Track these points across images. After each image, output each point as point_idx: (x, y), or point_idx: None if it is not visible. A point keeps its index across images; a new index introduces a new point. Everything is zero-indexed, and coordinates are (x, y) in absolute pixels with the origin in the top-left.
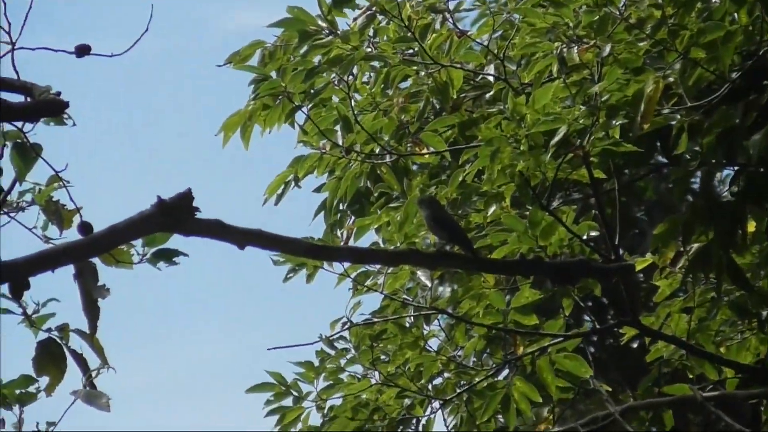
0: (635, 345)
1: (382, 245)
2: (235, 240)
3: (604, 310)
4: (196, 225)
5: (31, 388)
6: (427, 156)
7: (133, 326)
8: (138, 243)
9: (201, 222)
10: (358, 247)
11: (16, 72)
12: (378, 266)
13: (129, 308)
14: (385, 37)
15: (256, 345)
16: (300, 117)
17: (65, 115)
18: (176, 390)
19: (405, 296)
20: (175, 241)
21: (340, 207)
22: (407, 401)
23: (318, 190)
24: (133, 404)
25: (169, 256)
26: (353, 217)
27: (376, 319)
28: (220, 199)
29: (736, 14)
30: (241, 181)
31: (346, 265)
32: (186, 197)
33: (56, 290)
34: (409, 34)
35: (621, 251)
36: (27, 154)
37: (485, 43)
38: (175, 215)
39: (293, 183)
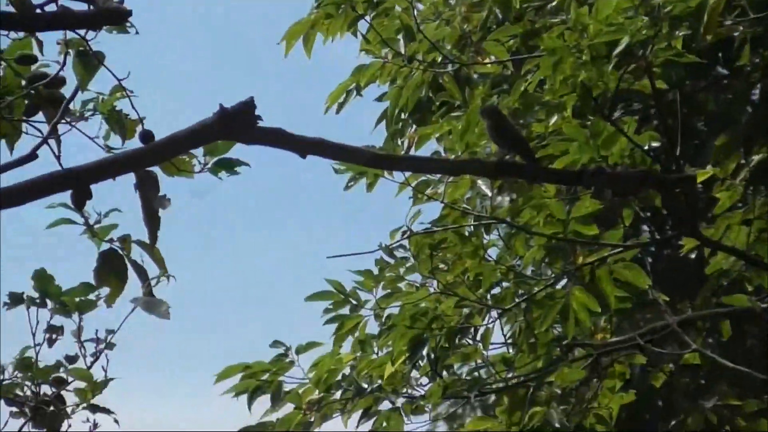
0: (693, 256)
1: (443, 154)
2: (297, 148)
3: (662, 221)
4: (258, 133)
5: (91, 296)
6: (489, 65)
7: (194, 237)
8: (199, 153)
9: (262, 130)
10: (420, 156)
11: None
12: (439, 175)
13: (190, 219)
14: None
15: (316, 253)
16: (363, 26)
17: (128, 24)
18: (237, 298)
19: (465, 205)
20: (237, 150)
21: (402, 116)
22: (466, 310)
23: (380, 99)
24: (194, 314)
25: (230, 165)
26: (414, 126)
27: (435, 228)
28: (283, 108)
29: None
30: (303, 90)
31: (407, 173)
32: (248, 106)
33: (118, 201)
34: None
35: (682, 162)
36: (89, 62)
37: None
38: (236, 124)
39: (355, 92)
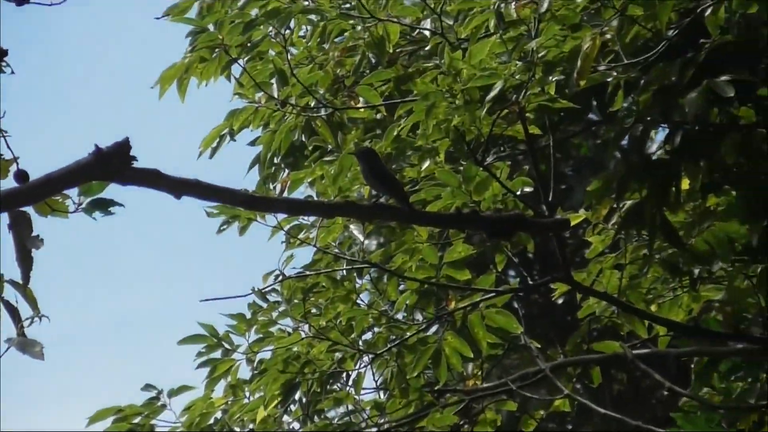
0: (561, 301)
1: (315, 199)
2: (172, 189)
3: (530, 265)
4: (133, 174)
5: None
6: (362, 110)
7: (65, 276)
8: (74, 192)
9: (138, 171)
10: (295, 198)
11: None
12: (311, 220)
13: (62, 258)
14: None
15: (189, 297)
16: (236, 70)
17: (3, 63)
18: (108, 340)
19: (337, 250)
20: (111, 191)
21: (275, 160)
22: (338, 355)
23: (253, 143)
24: (65, 354)
25: (105, 205)
26: (287, 171)
27: (308, 272)
28: (157, 151)
29: None
30: (177, 134)
31: (280, 218)
32: (123, 146)
33: None
34: None
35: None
36: None
37: None
38: (112, 164)
39: (228, 136)
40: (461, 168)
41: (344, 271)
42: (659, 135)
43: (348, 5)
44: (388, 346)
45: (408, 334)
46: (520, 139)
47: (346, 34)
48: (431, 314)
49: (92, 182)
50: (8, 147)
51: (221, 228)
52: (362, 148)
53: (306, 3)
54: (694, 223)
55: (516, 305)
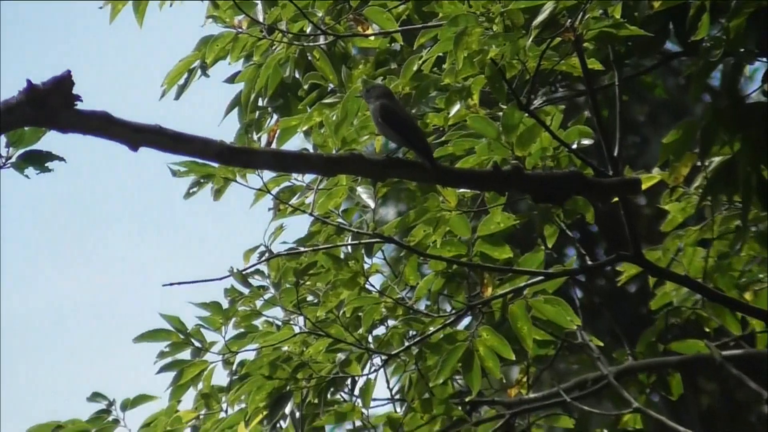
0: (633, 289)
1: (312, 152)
2: (127, 138)
3: (592, 241)
4: (77, 118)
5: None
6: (372, 38)
7: None
8: (1, 142)
9: (82, 115)
10: (286, 150)
11: None
12: (307, 180)
13: None
14: None
15: (148, 280)
16: None
17: None
18: (43, 336)
19: (340, 220)
20: (50, 140)
21: (260, 102)
22: (341, 356)
23: (231, 80)
24: None
25: (40, 159)
26: (276, 116)
27: (303, 249)
28: (108, 91)
29: None
30: (134, 69)
31: (266, 178)
32: (63, 83)
33: None
34: None
35: (621, 165)
36: None
37: None
38: (49, 105)
39: (200, 71)
40: (500, 114)
41: (349, 248)
42: (758, 72)
43: None
44: (406, 344)
45: (431, 329)
46: (576, 76)
47: None
48: (461, 303)
49: (24, 129)
50: None
51: (190, 191)
52: (372, 84)
53: None
54: None
55: (572, 293)
